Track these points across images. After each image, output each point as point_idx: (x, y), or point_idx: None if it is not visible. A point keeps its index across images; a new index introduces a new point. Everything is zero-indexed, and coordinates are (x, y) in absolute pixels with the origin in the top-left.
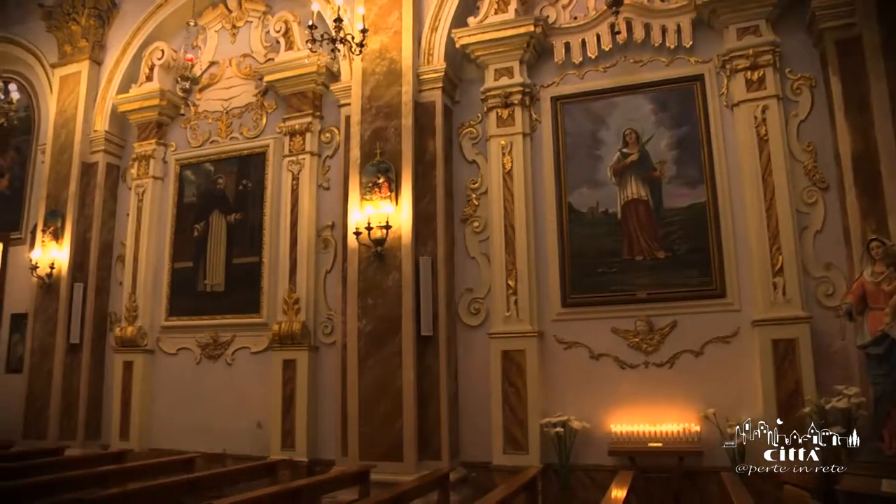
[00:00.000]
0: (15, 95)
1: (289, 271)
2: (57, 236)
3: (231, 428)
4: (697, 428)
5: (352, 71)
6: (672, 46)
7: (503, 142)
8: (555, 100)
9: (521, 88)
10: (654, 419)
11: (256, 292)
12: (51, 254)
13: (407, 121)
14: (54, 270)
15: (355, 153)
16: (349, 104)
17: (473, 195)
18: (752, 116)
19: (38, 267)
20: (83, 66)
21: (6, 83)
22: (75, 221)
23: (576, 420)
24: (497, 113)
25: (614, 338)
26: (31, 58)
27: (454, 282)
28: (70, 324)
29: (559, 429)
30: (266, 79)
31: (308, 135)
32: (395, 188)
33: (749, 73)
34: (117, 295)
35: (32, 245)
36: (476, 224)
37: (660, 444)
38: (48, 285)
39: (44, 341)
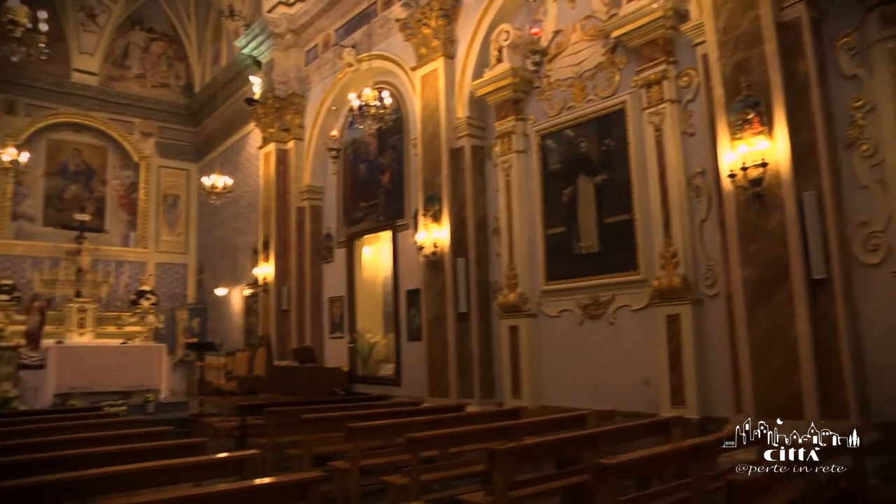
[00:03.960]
0: (387, 101)
1: (662, 225)
2: (436, 218)
3: (618, 385)
4: None
5: (701, 6)
6: None
7: (890, 45)
8: None
9: None
10: None
11: (631, 250)
12: (433, 234)
13: (770, 46)
14: (437, 249)
15: (718, 92)
16: (703, 42)
17: (858, 115)
18: None
19: (423, 247)
20: (438, 64)
21: (380, 92)
22: (450, 202)
23: None
24: (880, 12)
25: None
26: (395, 66)
27: (844, 216)
28: (457, 295)
29: None
30: (613, 35)
31: (665, 83)
32: (767, 122)
33: None
34: (496, 265)
35: (416, 229)
36: (864, 147)
37: None
38: (434, 262)
39: (436, 312)
